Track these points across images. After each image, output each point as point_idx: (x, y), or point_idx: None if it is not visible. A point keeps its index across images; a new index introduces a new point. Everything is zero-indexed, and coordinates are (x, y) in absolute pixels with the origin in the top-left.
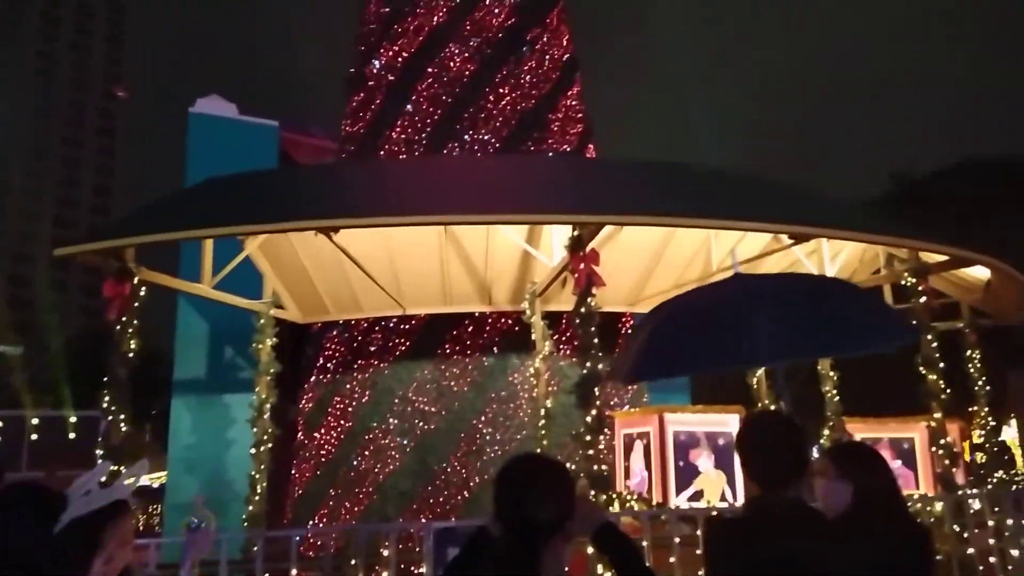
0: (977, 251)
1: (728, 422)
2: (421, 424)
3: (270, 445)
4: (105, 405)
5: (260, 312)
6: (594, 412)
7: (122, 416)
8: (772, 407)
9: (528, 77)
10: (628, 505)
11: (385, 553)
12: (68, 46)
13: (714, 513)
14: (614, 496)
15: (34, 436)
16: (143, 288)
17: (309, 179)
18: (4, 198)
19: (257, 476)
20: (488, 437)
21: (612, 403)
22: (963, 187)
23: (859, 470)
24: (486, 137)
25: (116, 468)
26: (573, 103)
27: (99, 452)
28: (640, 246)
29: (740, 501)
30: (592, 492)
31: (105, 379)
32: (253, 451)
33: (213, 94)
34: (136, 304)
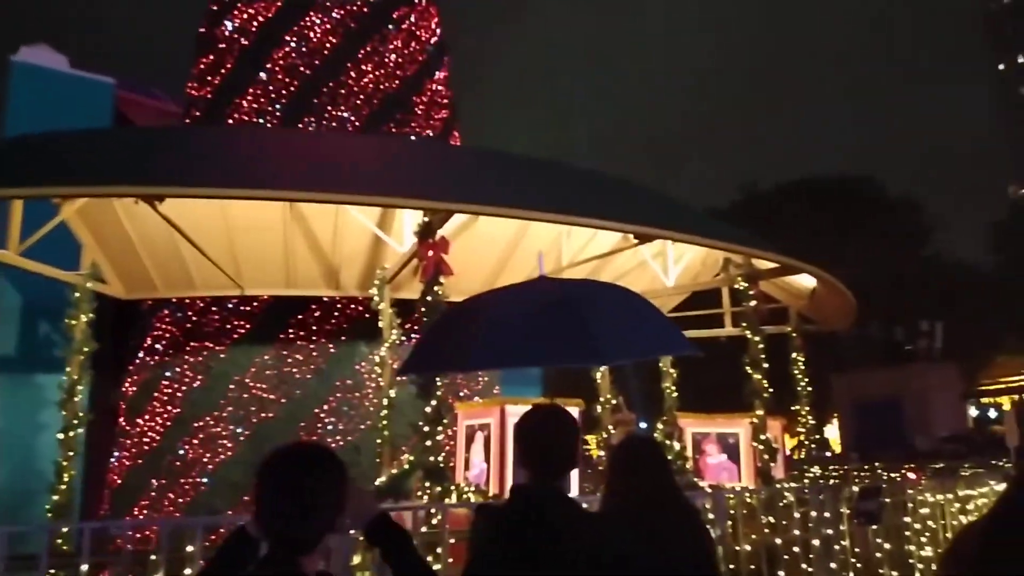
0: (804, 261)
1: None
2: (258, 412)
3: (82, 430)
4: None
5: (76, 285)
6: (434, 403)
7: None
8: (613, 400)
9: (394, 56)
10: (464, 497)
11: (190, 549)
12: None
13: (485, 502)
14: (451, 487)
15: None
16: None
17: (138, 141)
18: None
19: (65, 464)
20: (331, 427)
21: (461, 394)
22: (803, 202)
23: (630, 473)
24: (346, 115)
25: None
26: (439, 88)
27: None
28: (494, 238)
29: (572, 492)
30: (427, 484)
31: None
32: (61, 436)
33: (41, 43)
34: None
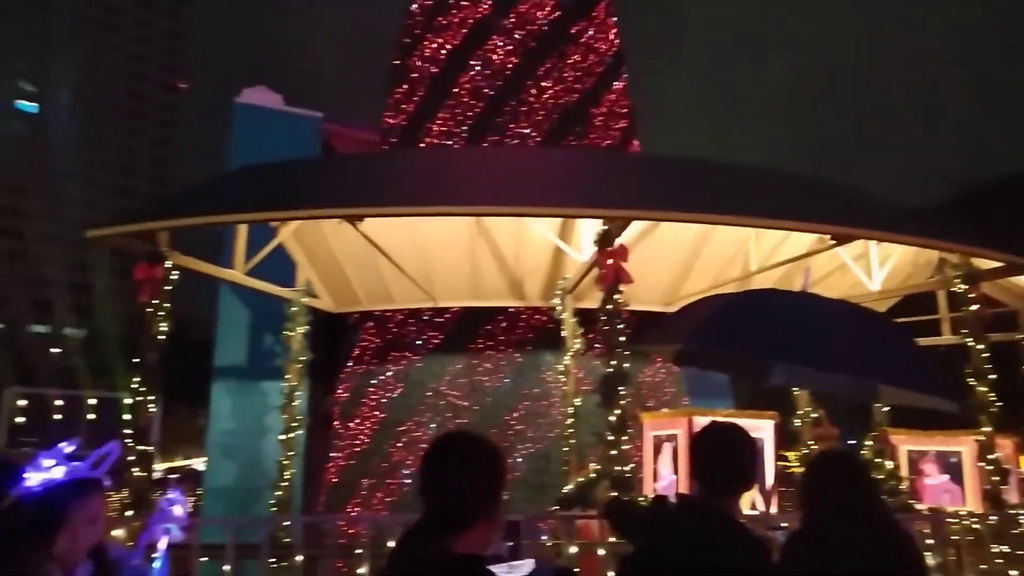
0: None
1: (762, 427)
2: (453, 418)
3: (300, 432)
4: (133, 387)
5: (292, 300)
6: (618, 412)
7: (150, 398)
8: (813, 414)
9: (572, 71)
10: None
11: (391, 544)
12: (129, 39)
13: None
14: (639, 498)
15: (91, 416)
16: (175, 272)
17: (340, 168)
18: (65, 186)
19: (286, 463)
20: (520, 434)
21: (648, 404)
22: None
23: (821, 489)
24: (527, 131)
25: (144, 449)
26: (617, 98)
27: (127, 432)
28: (676, 244)
29: (770, 509)
30: (614, 494)
31: (135, 361)
32: (283, 438)
33: (260, 85)
34: (168, 288)
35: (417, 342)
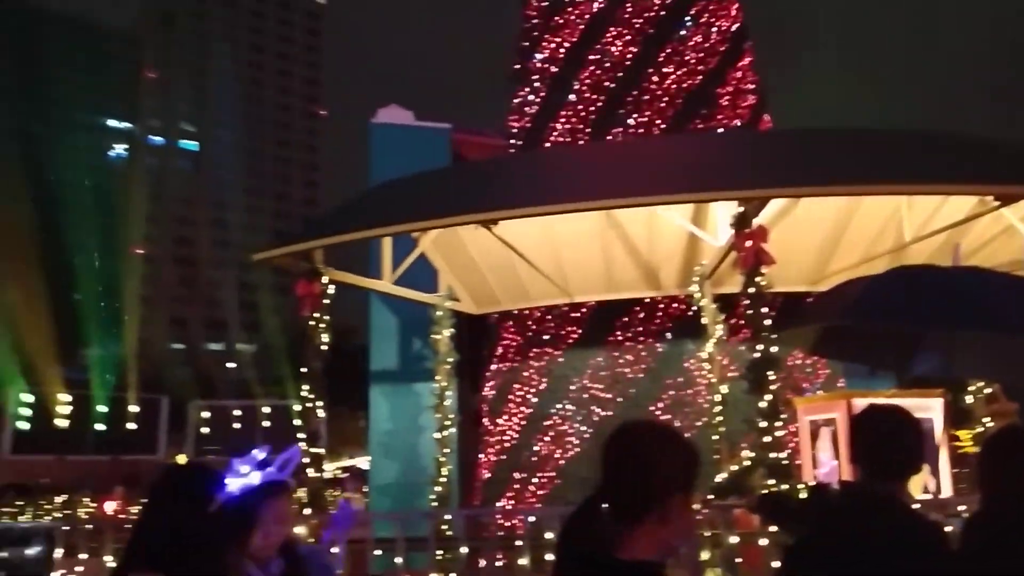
0: None
1: (931, 407)
2: (598, 411)
3: (453, 430)
4: (303, 394)
5: (437, 305)
6: (769, 397)
7: (319, 404)
8: (987, 389)
9: (694, 53)
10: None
11: (549, 536)
12: (274, 74)
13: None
14: (798, 486)
15: (266, 423)
16: (332, 286)
17: (472, 175)
18: (228, 214)
19: (442, 460)
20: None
21: (803, 387)
22: None
23: (1000, 468)
24: (651, 119)
25: (316, 451)
26: (743, 75)
27: (301, 437)
28: (819, 220)
29: (945, 493)
30: (772, 481)
31: (302, 371)
32: (437, 436)
33: (392, 104)
34: (326, 301)
35: (557, 337)
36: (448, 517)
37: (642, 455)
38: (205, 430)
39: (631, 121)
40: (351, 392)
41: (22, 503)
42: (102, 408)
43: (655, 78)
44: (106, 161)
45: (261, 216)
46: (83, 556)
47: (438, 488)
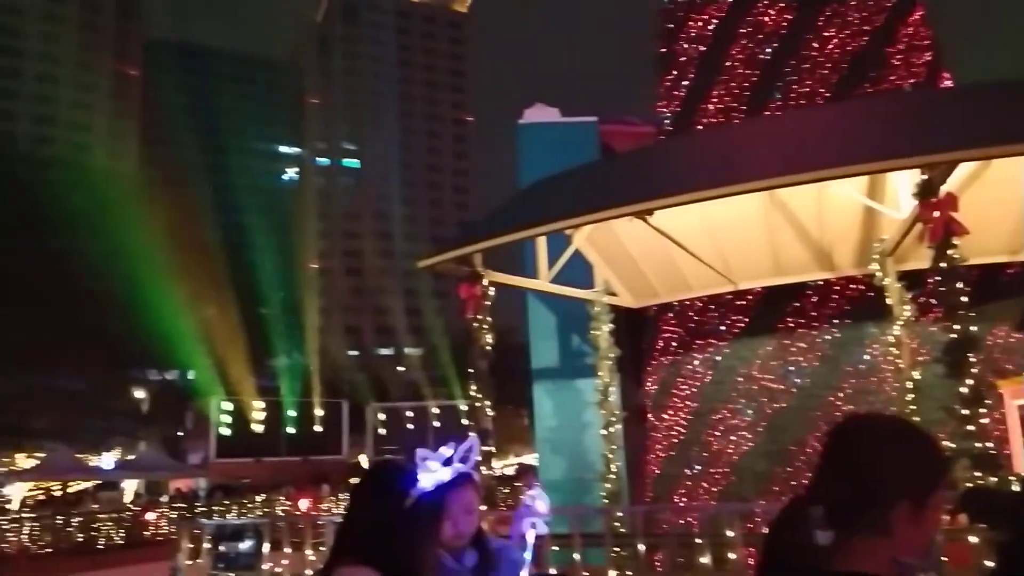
0: None
1: None
2: (770, 402)
3: (619, 426)
4: (471, 394)
5: (594, 301)
6: (970, 382)
7: (487, 402)
8: None
9: (857, 12)
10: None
11: (730, 534)
12: (422, 86)
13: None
14: (1010, 479)
15: (436, 423)
16: (492, 288)
17: (623, 166)
18: (390, 225)
19: (610, 456)
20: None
21: (1007, 369)
22: None
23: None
24: (813, 89)
25: (487, 449)
26: (915, 30)
27: (471, 435)
28: (1016, 181)
29: None
30: (977, 474)
31: (470, 371)
32: (604, 432)
33: (537, 103)
34: (488, 303)
35: (721, 327)
36: (620, 514)
37: (857, 454)
38: (382, 431)
39: (790, 93)
40: (513, 390)
41: (228, 502)
42: (291, 413)
43: (815, 44)
44: (279, 184)
45: (418, 224)
46: (287, 550)
47: (608, 485)
